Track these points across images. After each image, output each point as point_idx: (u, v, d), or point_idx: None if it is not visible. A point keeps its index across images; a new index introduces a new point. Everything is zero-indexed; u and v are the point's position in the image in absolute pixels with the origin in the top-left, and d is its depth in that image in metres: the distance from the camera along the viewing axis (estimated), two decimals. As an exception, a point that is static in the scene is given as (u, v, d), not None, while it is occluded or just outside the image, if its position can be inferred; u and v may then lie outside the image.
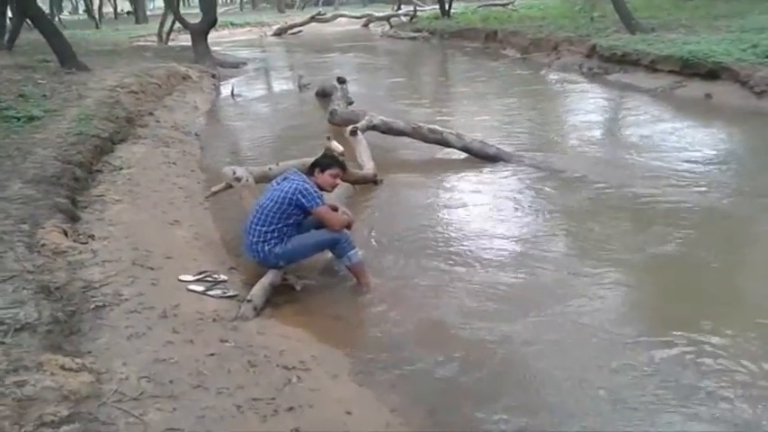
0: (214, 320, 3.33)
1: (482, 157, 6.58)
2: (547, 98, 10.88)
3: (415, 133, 6.91)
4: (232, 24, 30.51)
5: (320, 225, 4.05)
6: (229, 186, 4.89)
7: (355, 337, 3.52)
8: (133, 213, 4.68)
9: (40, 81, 9.00)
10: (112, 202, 4.82)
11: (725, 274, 4.00)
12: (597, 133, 8.02)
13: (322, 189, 4.09)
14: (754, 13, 13.05)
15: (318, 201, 3.93)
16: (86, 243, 3.95)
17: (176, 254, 4.13)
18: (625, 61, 11.62)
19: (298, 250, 3.97)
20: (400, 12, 29.78)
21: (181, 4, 17.19)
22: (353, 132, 6.55)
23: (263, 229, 3.88)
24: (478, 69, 14.21)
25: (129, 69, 10.76)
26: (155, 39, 21.54)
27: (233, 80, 13.87)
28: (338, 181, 4.26)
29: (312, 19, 29.49)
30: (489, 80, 12.66)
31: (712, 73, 9.49)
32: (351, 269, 4.01)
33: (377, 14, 30.30)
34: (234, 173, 4.84)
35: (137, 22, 32.17)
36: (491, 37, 18.25)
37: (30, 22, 14.37)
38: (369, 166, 6.05)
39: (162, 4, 22.51)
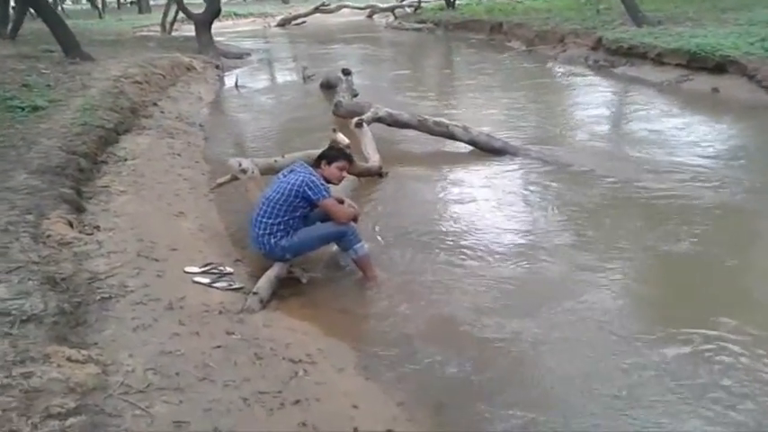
0: (220, 313, 3.33)
1: (488, 151, 6.54)
2: (553, 91, 10.82)
3: (421, 126, 6.88)
4: (235, 15, 30.42)
5: (326, 218, 4.03)
6: (235, 178, 4.87)
7: (361, 330, 3.51)
8: (138, 204, 4.66)
9: (43, 71, 8.98)
10: (117, 193, 4.81)
11: (737, 271, 3.94)
12: (604, 127, 7.97)
13: (329, 181, 4.07)
14: (762, 6, 12.92)
15: (325, 193, 3.91)
16: (92, 234, 3.94)
17: (181, 245, 4.12)
18: (631, 54, 11.54)
19: (304, 243, 3.95)
20: (404, 3, 29.59)
21: (184, -6, 17.13)
22: (359, 124, 6.52)
23: (270, 221, 3.87)
24: (483, 62, 14.12)
25: (132, 59, 10.71)
26: (158, 29, 21.49)
27: (237, 71, 13.82)
28: (345, 174, 4.24)
29: (316, 10, 29.34)
30: (494, 73, 12.59)
31: (719, 66, 9.41)
32: (357, 262, 3.99)
33: (381, 5, 30.11)
34: (240, 165, 4.82)
35: (140, 11, 32.12)
36: (496, 29, 18.14)
37: (33, 11, 14.36)
38: (374, 159, 6.02)
39: (165, -6, 22.47)
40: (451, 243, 4.47)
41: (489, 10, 21.13)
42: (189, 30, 18.04)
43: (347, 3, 30.82)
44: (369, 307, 3.74)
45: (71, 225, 3.95)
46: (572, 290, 3.74)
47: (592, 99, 9.57)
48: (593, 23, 14.16)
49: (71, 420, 2.15)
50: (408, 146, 7.10)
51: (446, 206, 5.27)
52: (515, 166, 6.11)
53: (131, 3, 39.36)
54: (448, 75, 13.91)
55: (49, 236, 3.65)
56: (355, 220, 4.14)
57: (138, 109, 7.71)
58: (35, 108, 6.52)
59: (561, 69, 12.36)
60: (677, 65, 10.27)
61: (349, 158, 4.31)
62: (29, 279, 3.04)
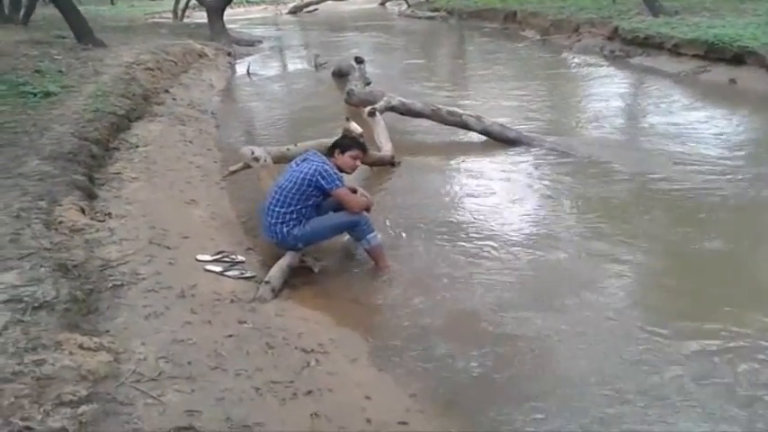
0: (232, 301, 3.31)
1: (502, 141, 6.47)
2: (568, 81, 10.70)
3: (434, 115, 6.82)
4: (247, 2, 30.39)
5: (338, 207, 4.00)
6: (247, 166, 4.84)
7: (374, 321, 3.48)
8: (150, 192, 4.65)
9: (56, 57, 8.97)
10: (129, 180, 4.79)
11: (760, 267, 3.86)
12: (620, 118, 7.86)
13: (342, 171, 4.03)
14: (781, -4, 12.72)
15: (338, 182, 3.87)
16: (104, 221, 3.93)
17: (193, 233, 4.10)
18: (647, 44, 11.39)
19: (316, 232, 3.92)
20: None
21: (196, -20, 17.11)
22: (372, 113, 6.47)
23: (282, 210, 3.84)
24: (497, 51, 13.99)
25: (144, 46, 10.70)
26: (170, 15, 21.49)
27: (248, 58, 13.77)
28: (358, 163, 4.19)
29: (328, -3, 29.19)
30: (508, 62, 12.47)
31: (737, 57, 9.26)
32: (369, 252, 3.96)
33: (394, -7, 29.92)
34: (252, 153, 4.79)
35: (152, -2, 32.05)
36: (510, 17, 17.95)
37: (46, -3, 14.36)
38: (387, 148, 5.98)
39: (177, -19, 22.41)
40: (465, 234, 4.42)
41: (503, -2, 20.90)
42: (201, 16, 18.03)
43: (359, -10, 30.61)
44: (381, 297, 3.70)
45: (83, 212, 3.93)
46: (590, 284, 3.68)
47: (607, 90, 9.45)
48: (608, 13, 13.98)
49: (83, 408, 2.14)
50: (421, 135, 7.05)
51: (459, 196, 5.22)
52: (530, 157, 6.04)
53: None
54: (461, 64, 13.79)
55: (60, 222, 3.64)
56: (368, 209, 4.10)
57: (150, 96, 7.70)
58: (47, 94, 6.51)
59: (576, 59, 12.22)
60: (694, 56, 10.12)
61: (363, 147, 4.26)
62: (41, 266, 3.02)
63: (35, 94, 6.46)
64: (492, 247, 4.20)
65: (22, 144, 4.87)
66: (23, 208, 3.67)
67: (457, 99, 8.73)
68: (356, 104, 7.84)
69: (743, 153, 5.90)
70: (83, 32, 10.69)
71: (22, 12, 14.38)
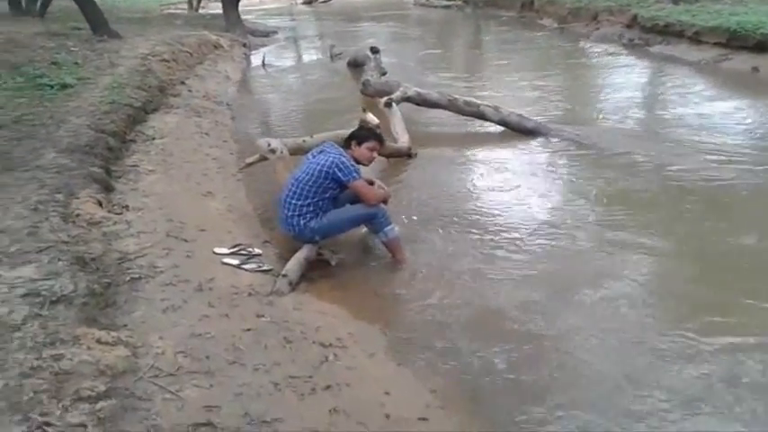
0: (249, 294, 3.29)
1: (520, 132, 6.39)
2: (587, 70, 10.56)
3: (451, 105, 6.75)
4: (262, -8, 30.23)
5: (355, 199, 3.96)
6: (264, 158, 4.82)
7: (392, 314, 3.43)
8: (167, 184, 4.64)
9: (72, 48, 8.99)
10: (146, 172, 4.79)
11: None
12: (640, 108, 7.73)
13: (359, 162, 3.99)
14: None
15: (355, 174, 3.83)
16: (121, 214, 3.92)
17: (210, 226, 4.08)
18: (667, 32, 11.22)
19: (334, 225, 3.88)
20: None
21: (211, -29, 17.12)
22: (388, 104, 6.42)
23: (299, 202, 3.80)
24: (514, 40, 13.84)
25: (160, 37, 10.69)
26: (185, 6, 21.50)
27: (263, 49, 13.75)
28: (375, 154, 4.15)
29: (343, -13, 29.02)
30: (526, 51, 12.33)
31: (760, 45, 9.12)
32: (387, 245, 3.92)
33: (409, -18, 29.68)
34: (269, 145, 4.76)
35: (167, -11, 32.07)
36: (527, 6, 17.75)
37: (62, -11, 14.40)
38: (403, 139, 5.92)
39: (192, -28, 22.39)
40: (483, 226, 4.36)
41: (520, -14, 20.64)
42: (216, 7, 18.01)
43: (374, -20, 30.42)
44: (399, 290, 3.65)
45: (100, 204, 3.93)
46: (614, 277, 3.61)
47: (627, 79, 9.31)
48: (627, 0, 13.77)
49: (101, 404, 2.13)
50: (438, 126, 6.99)
51: (477, 188, 5.16)
52: (549, 148, 5.96)
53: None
54: (478, 54, 13.66)
55: (78, 215, 3.64)
56: (385, 201, 4.06)
57: (166, 87, 7.69)
58: (64, 86, 6.52)
59: (595, 48, 12.06)
60: (715, 43, 9.96)
61: (380, 139, 4.21)
62: (58, 259, 3.02)
63: (52, 87, 6.47)
64: (511, 239, 4.14)
65: (39, 136, 4.88)
66: (41, 201, 3.67)
67: (474, 89, 8.64)
68: (372, 95, 7.78)
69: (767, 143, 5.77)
70: (99, 24, 10.70)
71: (38, 3, 14.43)
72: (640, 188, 4.92)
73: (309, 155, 4.07)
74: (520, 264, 3.83)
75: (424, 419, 2.50)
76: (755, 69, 8.86)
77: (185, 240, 3.73)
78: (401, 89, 6.85)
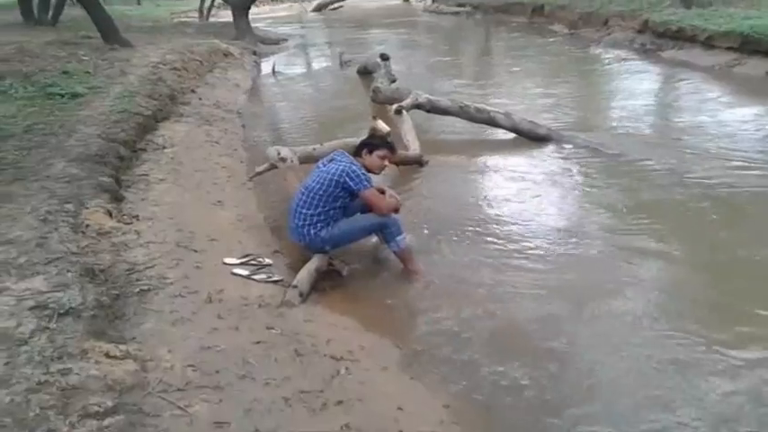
0: (260, 306, 3.24)
1: (532, 138, 6.33)
2: (599, 76, 10.49)
3: (462, 112, 6.69)
4: (272, 0, 30.41)
5: (366, 208, 3.91)
6: (273, 167, 4.78)
7: (404, 326, 3.36)
8: (177, 193, 4.61)
9: (83, 57, 9.03)
10: (156, 181, 4.77)
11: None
12: (653, 114, 7.65)
13: (369, 171, 3.93)
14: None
15: (366, 183, 3.78)
16: (130, 224, 3.90)
17: (220, 236, 4.04)
18: (680, 37, 11.14)
19: (345, 234, 3.83)
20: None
21: (222, -21, 17.21)
22: (398, 111, 6.37)
23: (309, 212, 3.75)
24: (525, 46, 13.79)
25: (170, 46, 10.73)
26: (195, 15, 21.60)
27: (273, 57, 13.76)
28: (387, 163, 4.09)
29: (352, -6, 29.13)
30: (537, 57, 12.26)
31: (775, 50, 9.01)
32: (398, 255, 3.86)
33: (418, -11, 29.73)
34: (278, 153, 4.72)
35: (178, -2, 32.29)
36: (538, 11, 17.72)
37: (74, -2, 14.50)
38: (414, 147, 5.87)
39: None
40: (496, 235, 4.30)
41: (530, -8, 20.59)
42: (226, 15, 18.07)
43: (384, -13, 30.51)
44: (411, 302, 3.59)
45: (110, 214, 3.91)
46: (632, 288, 3.52)
47: (639, 84, 9.24)
48: (638, 5, 13.70)
49: (109, 420, 2.09)
50: (449, 134, 6.94)
51: (490, 196, 5.09)
52: (563, 155, 5.88)
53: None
54: (488, 60, 13.60)
55: (87, 226, 3.61)
56: (397, 211, 3.99)
57: (177, 96, 7.69)
58: (75, 95, 6.53)
59: (606, 53, 11.98)
60: (728, 48, 9.86)
61: (391, 147, 4.15)
62: (67, 270, 2.99)
63: (63, 96, 6.49)
64: (524, 249, 4.07)
65: (49, 146, 4.88)
66: (51, 211, 3.65)
67: (485, 96, 8.58)
68: (382, 102, 7.74)
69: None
70: (109, 33, 10.76)
71: (50, 13, 14.55)
72: (659, 196, 4.82)
73: (320, 163, 4.02)
74: (536, 274, 3.75)
75: (438, 436, 2.44)
76: (770, 74, 8.77)
77: (195, 250, 3.69)
78: (411, 96, 6.80)
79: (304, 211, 3.78)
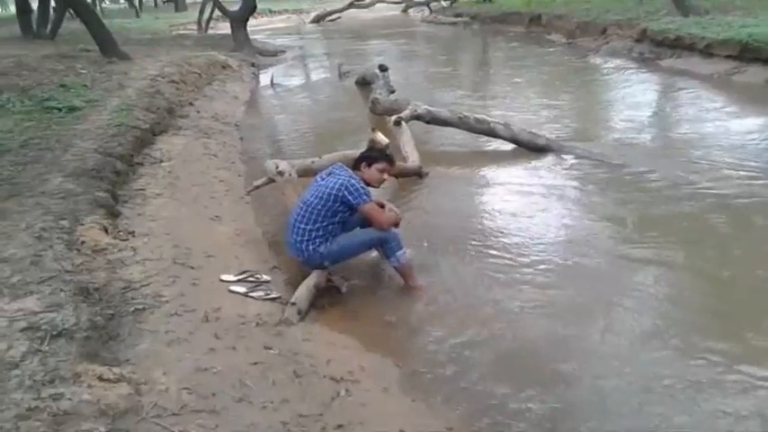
0: (257, 325, 3.17)
1: (532, 149, 6.28)
2: (597, 86, 10.47)
3: (461, 123, 6.64)
4: (270, 11, 30.55)
5: (365, 223, 3.84)
6: (272, 181, 4.73)
7: (405, 345, 3.27)
8: (174, 208, 4.55)
9: (81, 71, 9.00)
10: (153, 196, 4.71)
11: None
12: (653, 124, 7.60)
13: (369, 185, 3.86)
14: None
15: (365, 197, 3.71)
16: (126, 240, 3.84)
17: (217, 252, 3.97)
18: (678, 46, 11.14)
19: (344, 250, 3.76)
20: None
21: (220, -9, 17.23)
22: (397, 122, 6.32)
23: (308, 227, 3.69)
24: (523, 56, 13.79)
25: (169, 58, 10.71)
26: (194, 27, 21.67)
27: (272, 69, 13.75)
28: (386, 176, 4.03)
29: (350, 5, 29.31)
30: (536, 67, 12.25)
31: (774, 57, 8.99)
32: (399, 270, 3.79)
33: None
34: (277, 167, 4.67)
35: (176, 10, 32.51)
36: (535, 21, 17.77)
37: (72, 11, 14.51)
38: (413, 159, 5.82)
39: (201, -7, 22.60)
40: (498, 249, 4.22)
41: (527, 2, 20.68)
42: (225, 27, 18.08)
43: (382, -3, 30.67)
44: (412, 319, 3.51)
45: (106, 231, 3.85)
46: (639, 304, 3.44)
47: (639, 94, 9.21)
48: (636, 14, 13.73)
49: (101, 448, 2.02)
50: (448, 145, 6.89)
51: (490, 209, 5.03)
52: (563, 166, 5.82)
53: (168, 1, 39.83)
54: (487, 70, 13.59)
55: (83, 242, 3.55)
56: (397, 225, 3.92)
57: (175, 109, 7.65)
58: (72, 109, 6.50)
59: (605, 63, 11.98)
60: (727, 56, 9.85)
61: (390, 160, 4.09)
62: (61, 290, 2.92)
63: (60, 109, 6.46)
64: (527, 263, 4.00)
65: (45, 161, 4.83)
66: (45, 228, 3.59)
67: (484, 107, 8.53)
68: (381, 113, 7.70)
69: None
70: (108, 46, 10.75)
71: (49, 27, 14.56)
72: (665, 208, 4.74)
73: (318, 177, 3.96)
74: (541, 289, 3.67)
75: (441, 459, 2.37)
76: (770, 82, 8.74)
77: (192, 267, 3.63)
78: (410, 107, 6.75)
79: (302, 226, 3.72)
